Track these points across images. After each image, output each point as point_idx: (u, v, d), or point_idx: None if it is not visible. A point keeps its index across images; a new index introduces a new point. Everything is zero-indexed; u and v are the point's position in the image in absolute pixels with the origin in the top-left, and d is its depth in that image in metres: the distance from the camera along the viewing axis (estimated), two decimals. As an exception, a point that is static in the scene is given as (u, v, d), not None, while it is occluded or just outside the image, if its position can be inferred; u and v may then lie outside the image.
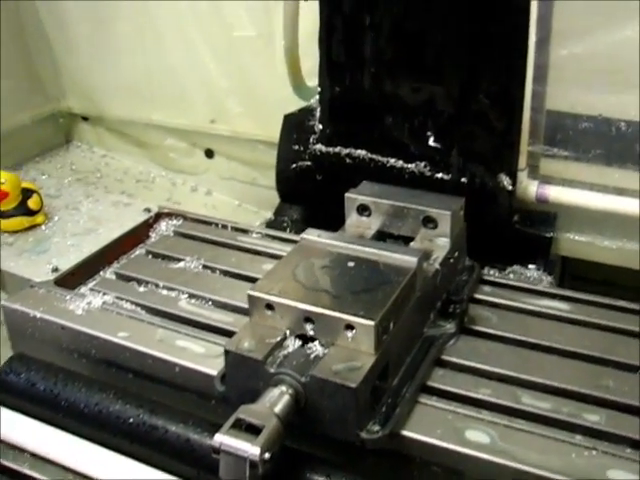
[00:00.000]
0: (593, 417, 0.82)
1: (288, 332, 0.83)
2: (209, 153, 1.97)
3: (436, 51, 1.13)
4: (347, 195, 1.06)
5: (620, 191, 1.24)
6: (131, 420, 0.87)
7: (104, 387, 0.91)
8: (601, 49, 1.21)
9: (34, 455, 0.89)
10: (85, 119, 2.18)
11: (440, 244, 1.00)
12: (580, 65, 1.24)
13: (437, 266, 0.95)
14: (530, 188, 1.25)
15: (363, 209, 1.05)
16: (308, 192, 1.33)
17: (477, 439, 0.79)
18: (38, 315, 1.01)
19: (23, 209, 1.34)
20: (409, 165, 1.17)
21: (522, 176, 1.24)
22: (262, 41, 1.68)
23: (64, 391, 0.91)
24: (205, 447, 0.82)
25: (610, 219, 1.26)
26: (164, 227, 1.26)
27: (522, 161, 1.23)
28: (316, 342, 0.81)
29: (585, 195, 1.24)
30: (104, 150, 2.13)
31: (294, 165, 1.33)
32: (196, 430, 0.84)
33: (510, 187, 1.15)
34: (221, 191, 1.96)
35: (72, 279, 1.12)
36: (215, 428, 0.74)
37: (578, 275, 1.43)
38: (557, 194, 1.25)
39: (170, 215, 1.29)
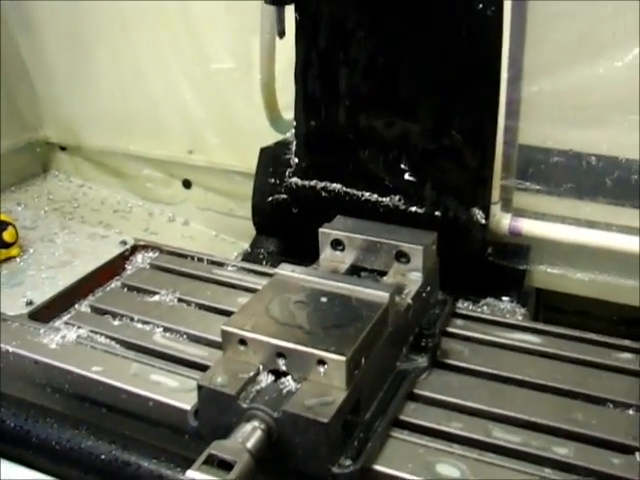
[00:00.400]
0: (562, 450, 0.83)
1: (261, 367, 0.83)
2: (187, 183, 1.97)
3: (410, 87, 1.14)
4: (321, 230, 1.07)
5: (591, 224, 1.26)
6: (103, 457, 0.87)
7: (76, 423, 0.91)
8: (571, 86, 1.24)
9: None
10: (63, 149, 2.17)
11: (413, 278, 1.01)
12: (551, 101, 1.26)
13: (409, 300, 0.96)
14: (503, 221, 1.27)
15: (337, 244, 1.06)
16: (284, 225, 1.34)
17: (448, 473, 0.80)
18: (11, 349, 1.01)
19: (-3, 242, 1.34)
20: (384, 199, 1.19)
21: (495, 209, 1.25)
22: (240, 73, 1.69)
23: (35, 428, 0.90)
24: None
25: (582, 251, 1.28)
26: (140, 260, 1.26)
27: (495, 195, 1.24)
28: (289, 377, 0.82)
29: (557, 228, 1.26)
30: (82, 180, 2.12)
31: (270, 198, 1.34)
32: (169, 466, 0.84)
33: (483, 220, 1.17)
34: (198, 221, 1.96)
35: (47, 312, 1.12)
36: (188, 463, 0.73)
37: (552, 306, 1.44)
38: (530, 227, 1.27)
39: (146, 248, 1.29)
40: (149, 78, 1.85)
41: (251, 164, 1.43)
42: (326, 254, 1.07)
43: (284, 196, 1.31)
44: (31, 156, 2.14)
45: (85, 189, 2.07)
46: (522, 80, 1.26)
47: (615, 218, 1.25)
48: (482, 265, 1.24)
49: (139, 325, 1.08)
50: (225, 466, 0.72)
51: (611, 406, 0.91)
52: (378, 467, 0.80)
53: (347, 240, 1.05)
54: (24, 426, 0.91)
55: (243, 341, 0.84)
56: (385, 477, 0.80)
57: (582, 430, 0.86)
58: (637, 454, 0.82)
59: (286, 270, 0.96)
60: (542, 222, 1.28)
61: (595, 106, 1.24)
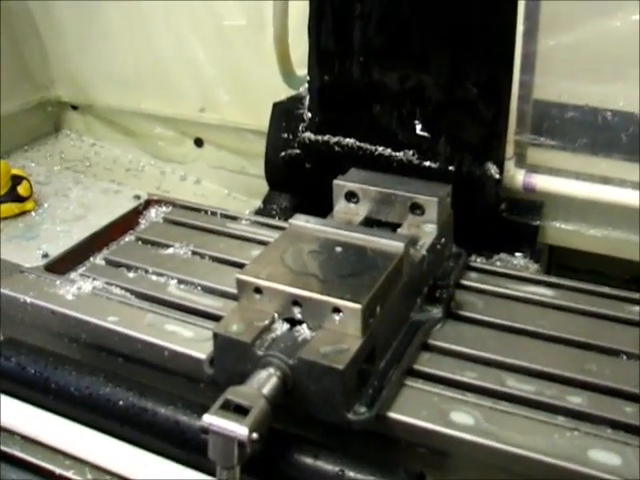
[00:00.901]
0: (576, 399, 0.83)
1: (276, 315, 0.84)
2: (198, 142, 1.96)
3: (424, 39, 1.13)
4: (335, 182, 1.07)
5: (606, 180, 1.25)
6: (121, 403, 0.88)
7: (94, 370, 0.92)
8: (588, 39, 1.22)
9: (25, 437, 0.90)
10: (74, 108, 2.17)
11: (427, 230, 1.01)
12: (567, 55, 1.24)
13: (424, 252, 0.96)
14: (517, 177, 1.26)
15: (351, 196, 1.06)
16: (297, 180, 1.33)
17: (462, 420, 0.80)
18: (28, 300, 1.02)
19: (13, 195, 1.35)
20: (397, 153, 1.18)
21: (509, 165, 1.25)
22: (252, 30, 1.68)
23: (54, 374, 0.92)
24: (194, 429, 0.83)
25: (596, 208, 1.27)
26: (153, 214, 1.27)
27: (509, 150, 1.23)
28: (304, 325, 0.82)
29: (571, 184, 1.25)
30: (93, 139, 2.13)
31: (283, 153, 1.33)
32: (185, 412, 0.85)
33: (497, 176, 1.16)
34: (210, 180, 1.96)
35: (62, 265, 1.13)
36: (204, 410, 0.75)
37: (565, 264, 1.44)
38: (544, 183, 1.26)
39: (159, 202, 1.29)
40: (160, 36, 1.85)
41: (263, 122, 1.42)
42: (340, 206, 1.07)
43: (297, 151, 1.30)
44: (43, 115, 2.14)
45: (97, 148, 2.07)
46: (538, 33, 1.24)
47: (630, 174, 1.24)
48: (495, 221, 1.23)
49: (153, 277, 1.08)
50: (241, 411, 0.73)
51: (624, 357, 0.91)
52: (393, 414, 0.81)
53: (361, 192, 1.05)
54: (43, 373, 0.92)
55: (258, 290, 0.84)
56: (400, 424, 0.81)
57: (595, 380, 0.86)
58: (650, 403, 0.82)
59: (300, 221, 0.97)
60: (556, 178, 1.27)
61: (612, 60, 1.22)
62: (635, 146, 1.23)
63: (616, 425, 0.80)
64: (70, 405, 0.90)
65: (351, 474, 0.77)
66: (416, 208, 1.02)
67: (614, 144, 1.25)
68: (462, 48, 1.11)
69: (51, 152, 2.02)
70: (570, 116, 1.27)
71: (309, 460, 0.79)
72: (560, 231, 1.34)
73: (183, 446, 0.84)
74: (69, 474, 0.85)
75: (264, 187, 1.44)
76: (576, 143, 1.27)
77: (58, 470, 0.86)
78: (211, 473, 0.78)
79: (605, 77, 1.23)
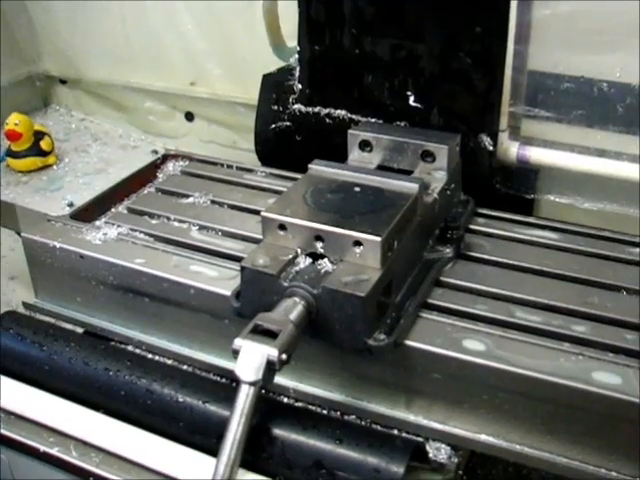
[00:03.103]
0: (580, 328, 0.89)
1: (299, 250, 0.88)
2: (189, 116, 1.93)
3: (417, 9, 1.14)
4: (350, 132, 1.11)
5: (601, 153, 1.25)
6: (118, 373, 0.91)
7: (93, 343, 0.96)
8: (585, 9, 1.20)
9: (7, 412, 0.92)
10: (63, 82, 2.11)
11: (438, 177, 1.06)
12: (563, 25, 1.22)
13: (435, 195, 1.01)
14: (511, 149, 1.25)
15: (365, 145, 1.10)
16: (287, 153, 1.33)
17: (474, 347, 0.86)
18: (57, 245, 1.07)
19: (36, 150, 1.39)
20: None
21: (503, 137, 1.24)
22: (242, 2, 1.66)
23: (53, 345, 0.95)
24: (193, 405, 0.86)
25: (591, 181, 1.27)
26: (171, 168, 1.31)
27: (503, 122, 1.23)
28: (325, 259, 0.87)
29: (566, 157, 1.25)
30: (83, 114, 2.05)
31: (273, 125, 1.33)
32: (180, 388, 0.89)
33: (491, 148, 1.18)
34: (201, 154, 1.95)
35: (86, 214, 1.17)
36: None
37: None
38: (538, 155, 1.25)
39: (176, 157, 1.34)
40: (150, 8, 1.80)
41: (254, 95, 1.41)
42: (354, 155, 1.11)
43: (287, 123, 1.31)
44: (31, 90, 2.07)
45: (87, 123, 2.00)
46: (534, 2, 1.22)
47: (626, 147, 1.24)
48: (490, 193, 1.23)
49: (175, 224, 1.13)
50: (270, 335, 0.78)
51: (624, 293, 0.97)
52: (410, 342, 0.86)
53: (375, 141, 1.10)
54: (42, 343, 0.95)
55: (282, 226, 0.89)
56: (416, 351, 0.86)
57: (598, 312, 0.92)
58: (649, 331, 0.88)
59: (320, 165, 1.01)
60: (550, 150, 1.26)
61: (609, 30, 1.20)
62: (631, 118, 1.23)
63: (617, 350, 0.85)
64: (65, 380, 0.94)
65: (348, 444, 0.81)
66: (427, 156, 1.07)
67: (610, 116, 1.24)
68: (456, 17, 1.12)
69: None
70: (565, 87, 1.25)
71: (307, 430, 0.83)
72: (554, 204, 1.33)
73: (180, 423, 0.87)
74: (53, 451, 0.87)
75: (256, 162, 1.43)
76: (571, 115, 1.26)
77: (43, 447, 0.88)
78: (205, 450, 0.82)
79: (601, 47, 1.21)
